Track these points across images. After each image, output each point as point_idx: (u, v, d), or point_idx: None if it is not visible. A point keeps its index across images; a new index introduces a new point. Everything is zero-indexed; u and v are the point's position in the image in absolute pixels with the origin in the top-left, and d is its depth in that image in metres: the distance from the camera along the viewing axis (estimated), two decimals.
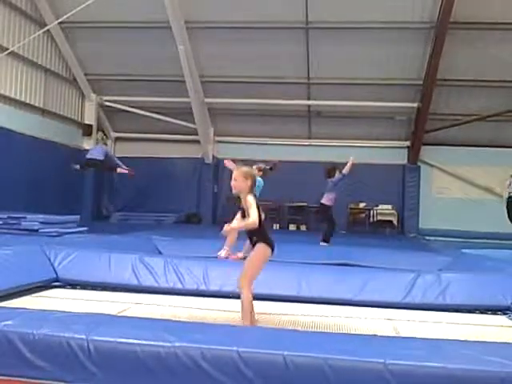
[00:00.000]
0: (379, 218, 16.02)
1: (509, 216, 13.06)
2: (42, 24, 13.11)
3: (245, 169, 4.10)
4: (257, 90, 14.79)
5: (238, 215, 4.22)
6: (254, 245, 4.06)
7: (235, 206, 4.66)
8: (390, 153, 16.11)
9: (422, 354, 2.71)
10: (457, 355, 2.73)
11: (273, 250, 4.05)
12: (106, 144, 14.96)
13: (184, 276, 5.58)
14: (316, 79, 14.79)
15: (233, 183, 4.04)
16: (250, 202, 3.94)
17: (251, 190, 4.04)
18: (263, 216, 4.03)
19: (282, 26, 13.48)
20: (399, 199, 15.95)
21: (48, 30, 12.81)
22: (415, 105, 14.82)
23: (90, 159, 12.68)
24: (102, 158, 12.59)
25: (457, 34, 12.85)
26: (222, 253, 7.00)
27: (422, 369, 2.57)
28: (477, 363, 2.60)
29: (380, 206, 15.91)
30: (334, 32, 13.36)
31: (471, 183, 15.78)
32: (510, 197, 13.12)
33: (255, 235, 4.05)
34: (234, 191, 4.07)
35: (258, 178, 6.67)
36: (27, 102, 13.46)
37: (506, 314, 5.07)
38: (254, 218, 3.90)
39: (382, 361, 2.59)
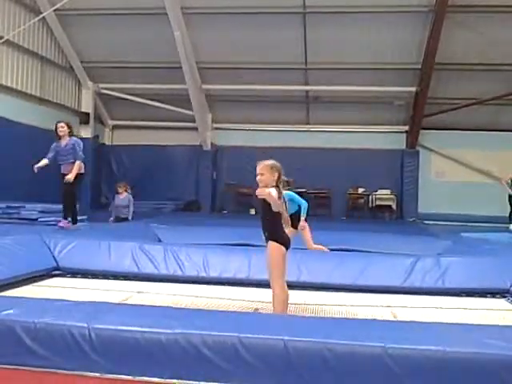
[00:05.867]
0: (378, 203, 16.02)
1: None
2: (37, 12, 12.97)
3: (269, 162, 3.91)
4: (254, 75, 14.70)
5: None
6: (266, 241, 3.88)
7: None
8: (388, 138, 16.07)
9: (421, 338, 2.72)
10: (456, 339, 2.74)
11: (286, 247, 3.85)
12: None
13: (184, 263, 5.60)
14: (314, 64, 14.68)
15: (258, 178, 3.85)
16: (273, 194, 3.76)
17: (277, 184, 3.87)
18: (283, 212, 3.85)
19: (279, 11, 13.36)
20: (398, 184, 15.95)
21: (43, 18, 12.69)
22: (414, 89, 14.74)
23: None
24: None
25: (455, 18, 12.74)
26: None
27: (422, 353, 2.58)
28: (476, 346, 2.61)
29: (379, 191, 15.91)
30: (331, 16, 13.24)
31: (470, 167, 15.76)
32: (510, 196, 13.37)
33: (267, 230, 3.87)
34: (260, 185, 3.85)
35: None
36: (24, 90, 13.37)
37: (505, 297, 5.10)
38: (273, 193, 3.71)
39: (381, 345, 2.60)
